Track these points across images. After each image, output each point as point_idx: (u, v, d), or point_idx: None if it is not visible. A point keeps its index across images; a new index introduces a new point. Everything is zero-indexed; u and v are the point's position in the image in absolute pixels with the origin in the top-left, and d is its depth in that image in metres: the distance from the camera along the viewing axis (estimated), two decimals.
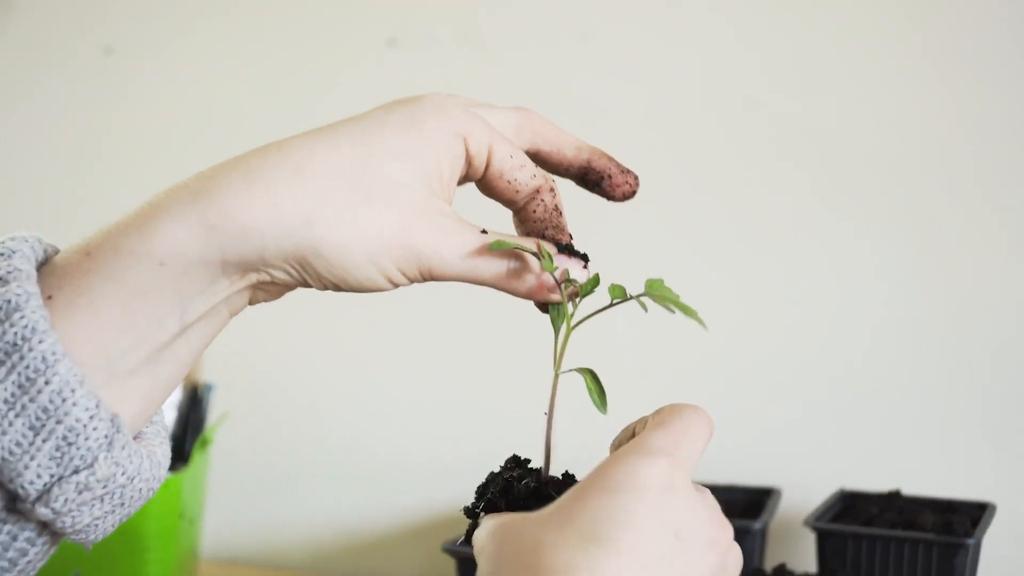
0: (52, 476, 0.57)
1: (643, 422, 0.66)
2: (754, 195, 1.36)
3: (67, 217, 1.63)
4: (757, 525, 1.16)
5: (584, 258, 0.69)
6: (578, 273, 0.68)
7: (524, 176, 0.69)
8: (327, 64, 1.53)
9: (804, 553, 1.27)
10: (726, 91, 1.36)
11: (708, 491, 0.63)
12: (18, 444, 0.56)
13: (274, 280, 0.63)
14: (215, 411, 1.34)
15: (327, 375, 1.54)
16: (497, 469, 0.73)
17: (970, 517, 1.17)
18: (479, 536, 0.63)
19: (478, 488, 0.72)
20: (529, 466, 0.72)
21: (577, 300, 0.68)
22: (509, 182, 0.69)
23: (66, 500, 0.57)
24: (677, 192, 1.37)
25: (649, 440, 0.62)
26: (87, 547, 0.60)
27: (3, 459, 0.56)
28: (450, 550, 1.13)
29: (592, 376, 0.68)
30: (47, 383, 0.56)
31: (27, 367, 0.56)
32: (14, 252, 0.58)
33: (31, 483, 0.56)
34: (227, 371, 1.38)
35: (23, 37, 1.68)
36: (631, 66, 1.39)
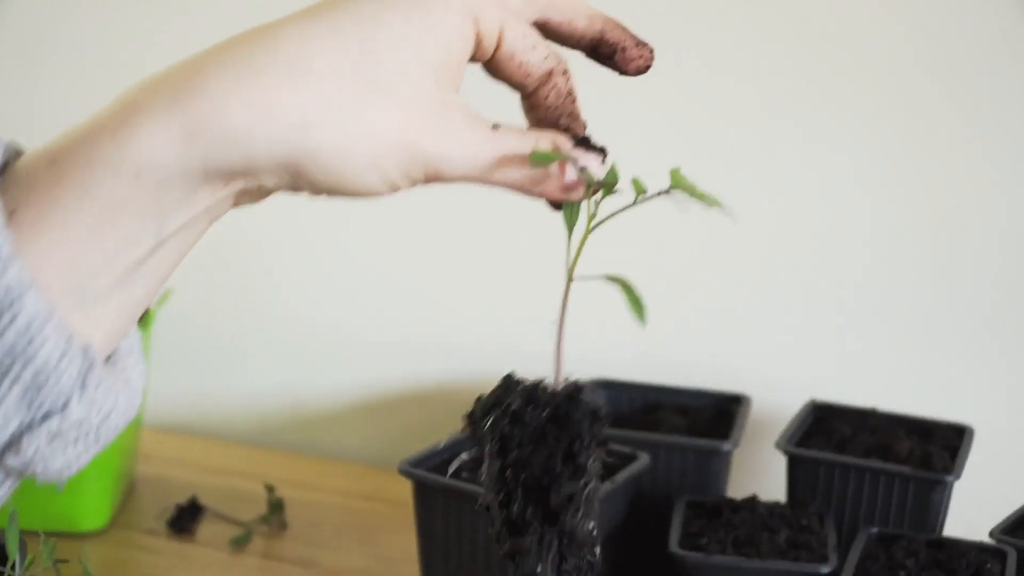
0: (20, 424, 0.52)
1: None
2: (735, 101, 1.28)
3: None
4: (726, 447, 1.11)
5: (602, 152, 0.63)
6: (597, 169, 0.63)
7: (536, 58, 0.64)
8: None
9: (774, 476, 1.22)
10: None
11: None
12: None
13: (261, 187, 0.57)
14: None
15: (280, 247, 1.47)
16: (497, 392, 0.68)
17: (947, 444, 1.13)
18: None
19: (481, 407, 0.67)
20: (536, 384, 0.66)
21: (598, 198, 0.63)
22: (520, 64, 0.64)
23: (37, 448, 0.53)
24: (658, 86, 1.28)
25: None
26: (60, 487, 0.57)
27: None
28: (407, 472, 1.06)
29: (627, 288, 0.61)
30: (12, 320, 0.50)
31: None
32: None
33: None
34: None
35: None
36: None
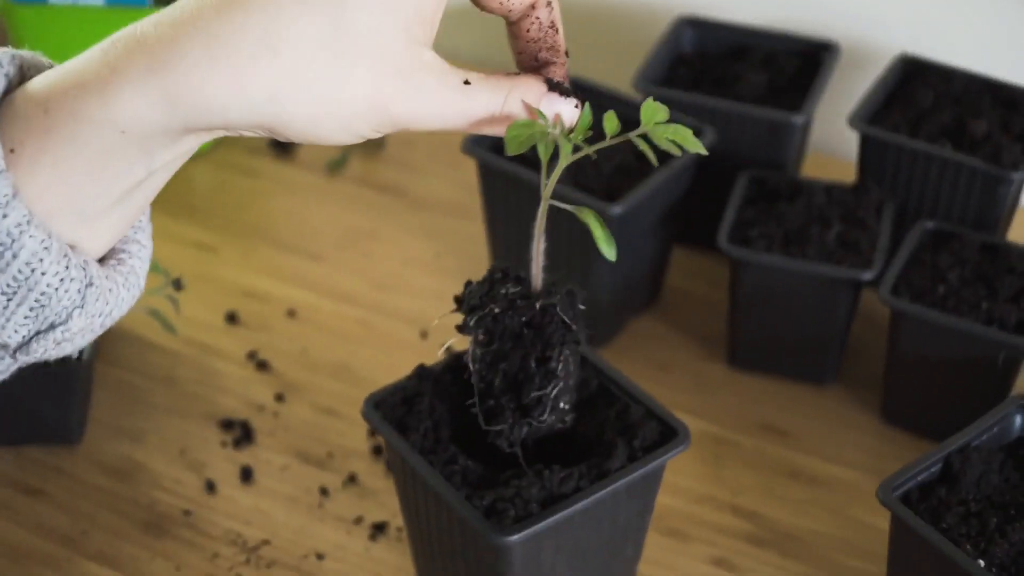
0: (29, 331, 0.59)
1: None
2: None
3: None
4: (797, 120, 1.10)
5: (576, 95, 0.65)
6: (569, 116, 0.65)
7: None
8: None
9: (847, 146, 1.21)
10: None
11: None
12: None
13: (241, 135, 0.62)
14: None
15: None
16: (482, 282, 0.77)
17: None
18: None
19: (467, 303, 0.74)
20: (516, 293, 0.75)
21: (569, 138, 0.65)
22: (501, 2, 0.65)
23: (45, 350, 0.61)
24: None
25: None
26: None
27: None
28: (470, 151, 1.09)
29: (596, 219, 0.67)
30: (15, 257, 0.57)
31: None
32: None
33: (10, 338, 0.59)
34: None
35: None
36: None
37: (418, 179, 1.28)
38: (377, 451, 1.00)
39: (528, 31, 0.66)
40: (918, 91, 1.14)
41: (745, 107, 1.12)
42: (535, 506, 0.77)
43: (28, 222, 0.56)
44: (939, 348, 0.97)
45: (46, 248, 0.57)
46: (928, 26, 1.24)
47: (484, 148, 1.06)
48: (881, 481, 0.96)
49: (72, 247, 0.59)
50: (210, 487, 0.97)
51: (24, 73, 0.60)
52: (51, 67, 0.62)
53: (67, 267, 0.58)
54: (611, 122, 0.66)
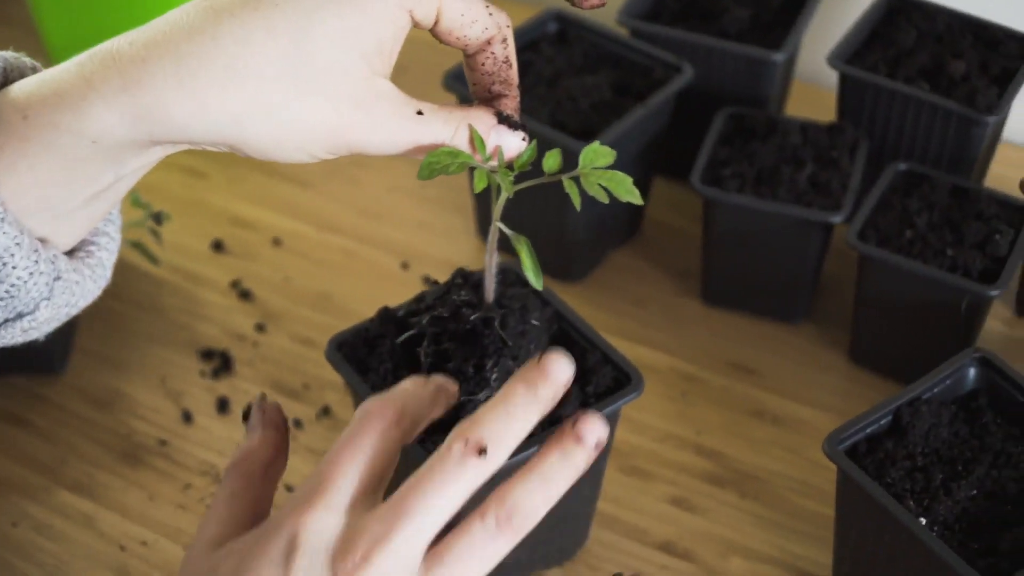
0: None
1: None
2: None
3: None
4: (777, 58, 1.10)
5: (524, 128, 0.69)
6: (513, 148, 0.69)
7: (475, 32, 0.67)
8: None
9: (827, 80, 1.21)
10: None
11: (368, 513, 0.60)
12: None
13: (205, 149, 0.65)
14: None
15: None
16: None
17: (1012, 61, 1.09)
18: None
19: (430, 295, 0.81)
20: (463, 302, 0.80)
21: (512, 172, 0.70)
22: (458, 39, 0.67)
23: (12, 336, 0.65)
24: None
25: (299, 488, 0.61)
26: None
27: None
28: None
29: (528, 249, 0.70)
30: None
31: None
32: None
33: None
34: None
35: None
36: None
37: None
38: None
39: (483, 65, 0.69)
40: (900, 29, 1.13)
41: (725, 44, 1.12)
42: None
43: (2, 219, 0.59)
44: (904, 293, 0.98)
45: (18, 244, 0.60)
46: None
47: (464, 84, 1.07)
48: (842, 421, 0.98)
49: (43, 241, 0.63)
50: (187, 417, 1.00)
51: (7, 75, 0.64)
52: (34, 69, 0.66)
53: (37, 261, 0.61)
54: (552, 159, 0.70)
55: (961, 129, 1.05)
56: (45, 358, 1.02)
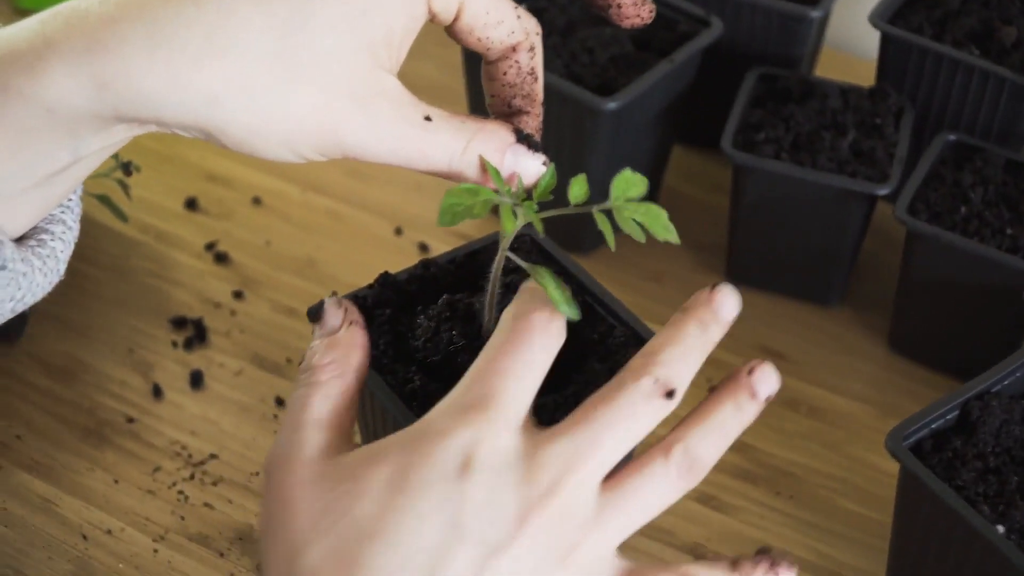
0: None
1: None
2: None
3: None
4: (814, 14, 1.01)
5: (545, 151, 0.62)
6: (531, 173, 0.61)
7: (499, 34, 0.60)
8: None
9: (867, 45, 1.11)
10: None
11: (549, 440, 0.53)
12: None
13: (176, 133, 0.58)
14: None
15: None
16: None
17: None
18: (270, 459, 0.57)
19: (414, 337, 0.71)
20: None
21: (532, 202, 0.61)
22: (479, 39, 0.60)
23: None
24: None
25: (459, 391, 0.55)
26: None
27: None
28: None
29: (552, 279, 0.59)
30: None
31: None
32: None
33: None
34: None
35: None
36: None
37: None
38: None
39: (505, 74, 0.62)
40: None
41: None
42: None
43: None
44: (957, 275, 0.89)
45: None
46: None
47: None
48: (885, 416, 0.91)
49: None
50: (157, 392, 0.89)
51: None
52: None
53: None
54: (579, 186, 0.60)
55: (1014, 99, 0.96)
56: None
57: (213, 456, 0.85)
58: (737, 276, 0.99)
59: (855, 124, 0.96)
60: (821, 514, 0.85)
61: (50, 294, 0.95)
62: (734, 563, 0.57)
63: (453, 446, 0.52)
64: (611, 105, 0.91)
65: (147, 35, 0.53)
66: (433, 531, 0.50)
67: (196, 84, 0.54)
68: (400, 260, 0.92)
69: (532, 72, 0.62)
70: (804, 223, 0.95)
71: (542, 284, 0.61)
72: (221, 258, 0.99)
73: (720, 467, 0.86)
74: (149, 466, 0.85)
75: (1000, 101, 0.96)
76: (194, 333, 0.93)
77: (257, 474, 0.84)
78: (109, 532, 0.81)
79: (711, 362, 0.92)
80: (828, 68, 1.14)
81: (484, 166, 0.60)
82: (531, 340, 0.55)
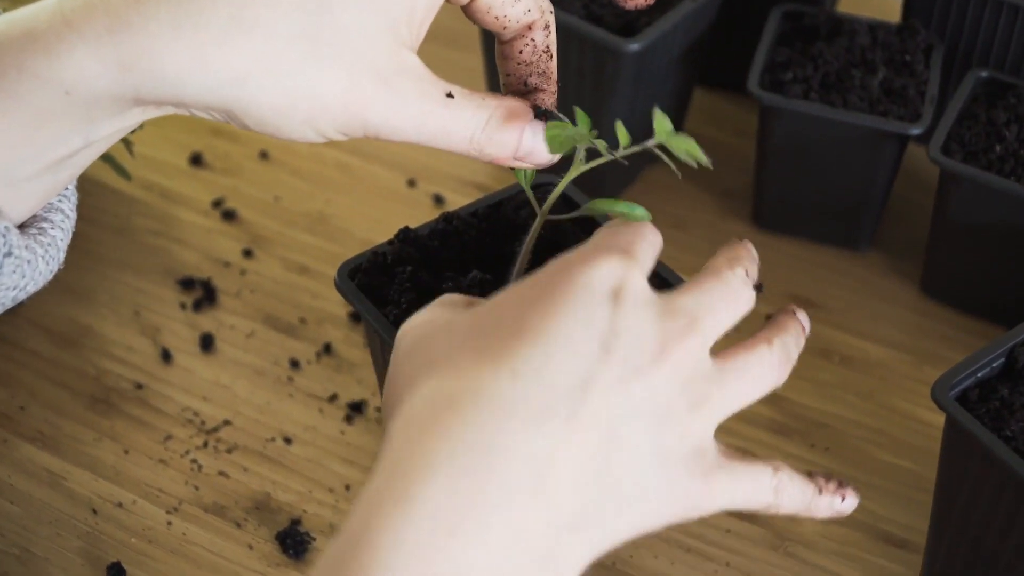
0: None
1: None
2: None
3: None
4: None
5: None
6: (546, 153, 0.61)
7: (516, 12, 0.60)
8: None
9: None
10: None
11: (676, 295, 0.54)
12: None
13: (195, 115, 0.57)
14: None
15: None
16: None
17: None
18: (405, 327, 0.57)
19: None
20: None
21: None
22: (497, 18, 0.60)
23: None
24: None
25: (598, 239, 0.55)
26: None
27: None
28: None
29: (616, 202, 0.62)
30: None
31: None
32: None
33: None
34: None
35: None
36: None
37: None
38: (356, 318, 0.88)
39: (521, 52, 0.62)
40: None
41: None
42: None
43: None
44: (993, 216, 0.85)
45: None
46: None
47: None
48: (919, 363, 0.88)
49: None
50: (166, 356, 0.86)
51: None
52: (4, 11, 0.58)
53: None
54: (622, 132, 0.61)
55: None
56: None
57: (227, 422, 0.82)
58: (764, 222, 0.96)
59: (884, 62, 0.92)
60: (858, 467, 0.81)
61: None
62: (810, 474, 0.58)
63: (604, 274, 0.52)
64: (633, 46, 0.87)
65: (171, 14, 0.52)
66: (583, 342, 0.50)
67: (222, 63, 0.53)
68: (415, 213, 0.89)
69: (547, 50, 0.63)
70: (833, 166, 0.91)
71: (602, 211, 0.64)
72: (229, 215, 0.96)
73: (752, 420, 0.84)
74: (160, 434, 0.82)
75: None
76: (203, 294, 0.90)
77: (273, 440, 0.82)
78: (120, 505, 0.78)
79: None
80: (852, 4, 1.10)
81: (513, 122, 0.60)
82: (644, 228, 0.56)
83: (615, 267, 0.52)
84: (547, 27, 0.62)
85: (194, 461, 0.80)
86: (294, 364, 0.86)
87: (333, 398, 0.84)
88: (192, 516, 0.78)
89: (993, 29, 0.93)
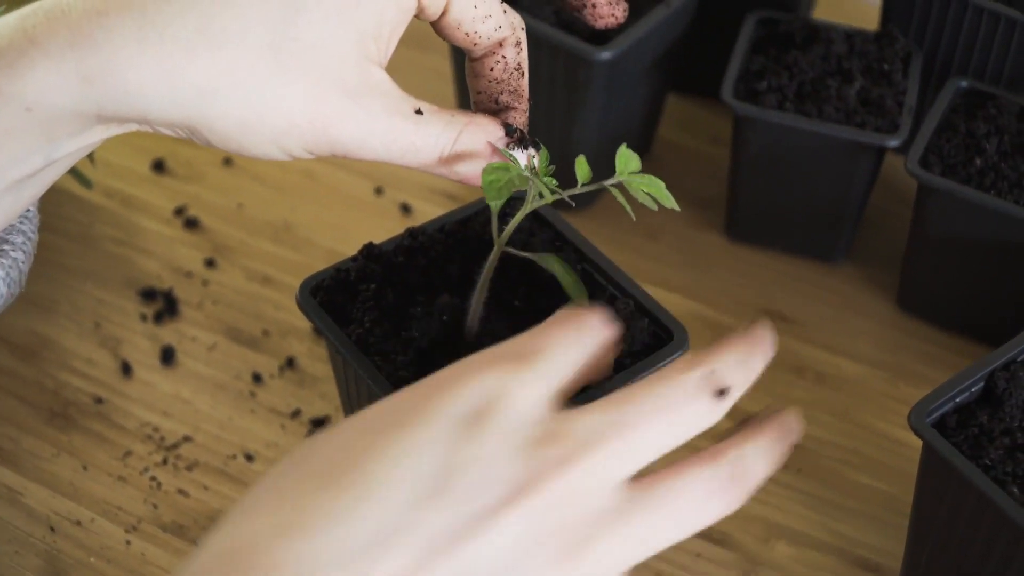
0: None
1: None
2: None
3: None
4: None
5: (535, 145, 0.61)
6: (533, 162, 0.61)
7: (487, 29, 0.59)
8: None
9: None
10: None
11: (583, 411, 0.46)
12: None
13: (158, 131, 0.56)
14: None
15: None
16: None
17: None
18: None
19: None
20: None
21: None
22: (467, 34, 0.59)
23: None
24: None
25: (508, 343, 0.49)
26: None
27: None
28: None
29: (561, 265, 0.63)
30: None
31: None
32: None
33: None
34: None
35: None
36: None
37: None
38: (320, 331, 0.86)
39: (492, 70, 0.61)
40: None
41: None
42: None
43: None
44: (973, 231, 0.83)
45: None
46: None
47: None
48: (895, 380, 0.87)
49: None
50: (126, 370, 0.84)
51: None
52: None
53: None
54: (582, 168, 0.61)
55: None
56: None
57: (187, 438, 0.80)
58: (737, 233, 0.94)
59: (861, 71, 0.90)
60: (832, 488, 0.80)
61: None
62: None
63: (469, 394, 0.45)
64: (605, 55, 0.86)
65: (136, 26, 0.51)
66: (402, 484, 0.42)
67: (188, 76, 0.52)
68: (382, 223, 0.87)
69: (519, 67, 0.62)
70: (809, 176, 0.89)
71: (550, 269, 0.62)
72: (191, 224, 0.94)
73: (720, 438, 0.82)
74: (119, 450, 0.79)
75: (1012, 44, 0.91)
76: (164, 305, 0.88)
77: (234, 457, 0.79)
78: (78, 523, 0.76)
79: (712, 327, 0.89)
80: (828, 10, 1.08)
81: (492, 149, 0.60)
82: (584, 322, 0.49)
83: (490, 384, 0.45)
84: (518, 44, 0.61)
85: (153, 478, 0.78)
86: (256, 378, 0.84)
87: (296, 414, 0.82)
88: (151, 535, 0.76)
89: (973, 37, 0.92)
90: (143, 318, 0.87)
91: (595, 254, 0.72)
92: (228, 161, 0.98)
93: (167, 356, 0.85)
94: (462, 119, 0.58)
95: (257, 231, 0.94)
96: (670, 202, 0.62)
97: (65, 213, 0.94)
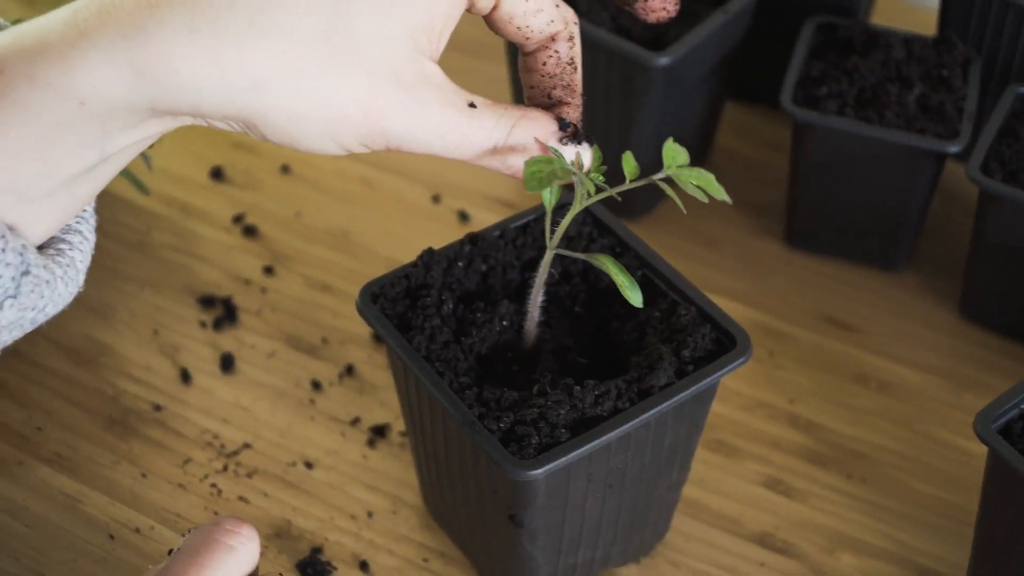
0: None
1: None
2: None
3: None
4: None
5: (589, 140, 0.60)
6: (582, 159, 0.60)
7: (539, 22, 0.59)
8: None
9: None
10: None
11: None
12: None
13: (213, 126, 0.56)
14: None
15: None
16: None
17: None
18: None
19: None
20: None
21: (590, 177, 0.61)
22: (519, 28, 0.59)
23: None
24: None
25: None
26: None
27: None
28: None
29: (615, 265, 0.62)
30: None
31: None
32: None
33: None
34: None
35: None
36: None
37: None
38: (379, 338, 0.86)
39: (544, 64, 0.61)
40: None
41: None
42: (564, 431, 0.63)
43: None
44: None
45: None
46: None
47: None
48: (957, 389, 0.86)
49: (10, 229, 0.53)
50: (185, 377, 0.84)
51: None
52: (5, 27, 0.56)
53: (3, 250, 0.52)
54: (629, 163, 0.61)
55: None
56: None
57: (247, 446, 0.81)
58: (797, 240, 0.94)
59: (920, 76, 0.90)
60: (895, 498, 0.79)
61: None
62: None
63: None
64: (662, 60, 0.85)
65: (187, 18, 0.51)
66: None
67: (239, 68, 0.51)
68: (440, 230, 0.87)
69: (572, 62, 0.61)
70: (869, 183, 0.89)
71: (603, 268, 0.62)
72: (250, 231, 0.94)
73: (787, 449, 0.82)
74: (179, 458, 0.80)
75: None
76: (223, 313, 0.88)
77: (294, 464, 0.80)
78: (137, 531, 0.76)
79: (774, 335, 0.88)
80: (885, 15, 1.07)
81: (540, 145, 0.58)
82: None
83: None
84: (571, 39, 0.60)
85: (213, 485, 0.79)
86: (316, 385, 0.84)
87: (355, 421, 0.82)
88: None
89: None
90: (202, 325, 0.87)
91: (656, 260, 0.72)
92: (286, 169, 0.99)
93: (226, 363, 0.85)
94: (516, 113, 0.58)
95: (315, 239, 0.94)
96: (721, 194, 0.61)
97: (122, 220, 0.94)
